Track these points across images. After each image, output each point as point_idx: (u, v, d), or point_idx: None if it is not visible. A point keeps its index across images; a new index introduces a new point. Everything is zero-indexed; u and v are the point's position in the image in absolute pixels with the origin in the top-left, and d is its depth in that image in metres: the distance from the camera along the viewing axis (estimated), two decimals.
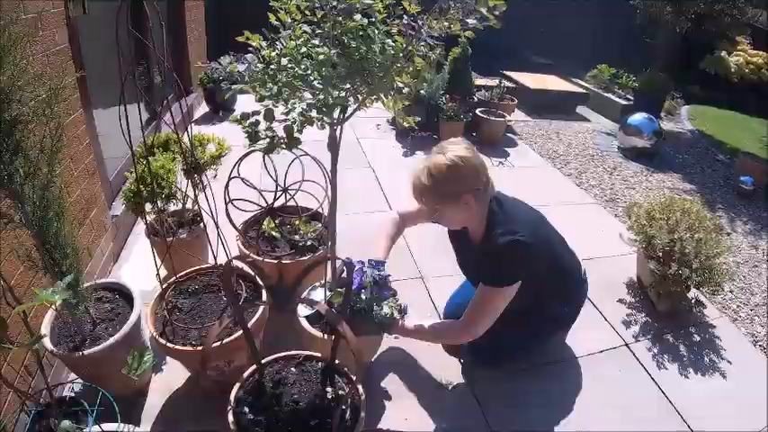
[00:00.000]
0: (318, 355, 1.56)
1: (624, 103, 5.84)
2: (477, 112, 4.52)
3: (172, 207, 2.35)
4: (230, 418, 1.35)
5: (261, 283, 1.83)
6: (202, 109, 5.16)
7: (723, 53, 7.21)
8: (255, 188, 2.03)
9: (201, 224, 2.40)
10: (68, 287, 1.67)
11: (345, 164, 3.81)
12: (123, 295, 1.87)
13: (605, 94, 6.17)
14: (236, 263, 1.88)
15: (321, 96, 1.17)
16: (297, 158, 1.99)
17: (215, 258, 1.90)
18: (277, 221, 2.21)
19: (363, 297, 1.57)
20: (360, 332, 1.61)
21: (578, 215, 3.35)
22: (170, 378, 1.86)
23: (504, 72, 6.11)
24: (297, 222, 2.21)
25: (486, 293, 1.55)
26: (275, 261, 1.97)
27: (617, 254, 2.70)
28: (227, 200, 1.99)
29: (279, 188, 2.05)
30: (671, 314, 2.27)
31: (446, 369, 1.95)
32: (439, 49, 1.21)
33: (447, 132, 4.42)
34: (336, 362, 1.50)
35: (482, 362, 1.92)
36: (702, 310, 2.35)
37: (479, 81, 5.12)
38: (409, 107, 4.40)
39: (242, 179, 1.94)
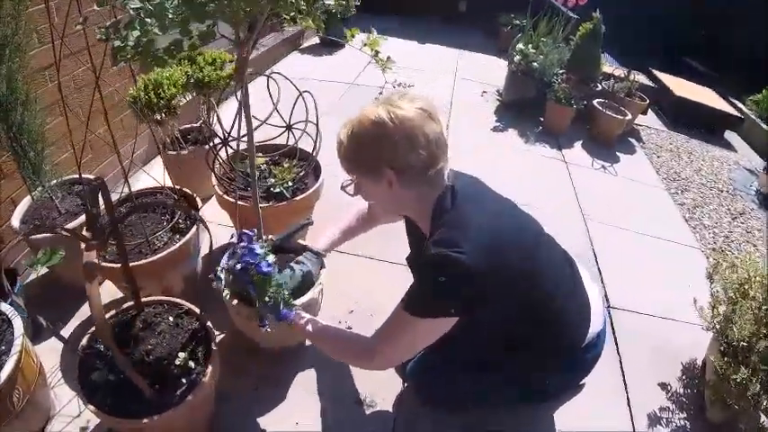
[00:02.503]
0: (197, 311, 1.36)
1: None
2: (594, 102, 3.73)
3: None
4: (84, 341, 1.28)
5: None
6: (312, 40, 5.13)
7: None
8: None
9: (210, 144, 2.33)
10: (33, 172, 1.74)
11: None
12: None
13: (765, 126, 4.67)
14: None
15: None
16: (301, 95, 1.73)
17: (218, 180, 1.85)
18: (266, 160, 2.01)
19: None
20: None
21: (667, 256, 2.58)
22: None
23: (651, 69, 4.96)
24: (286, 165, 1.97)
25: (396, 317, 1.13)
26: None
27: (692, 322, 1.97)
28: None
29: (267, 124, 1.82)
30: (723, 430, 1.58)
31: (382, 387, 1.60)
32: None
33: (552, 116, 3.80)
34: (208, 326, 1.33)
35: (426, 394, 1.51)
36: None
37: (610, 69, 4.19)
38: (516, 76, 3.90)
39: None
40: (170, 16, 0.81)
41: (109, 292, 1.85)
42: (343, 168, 1.15)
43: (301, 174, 1.94)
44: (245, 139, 1.33)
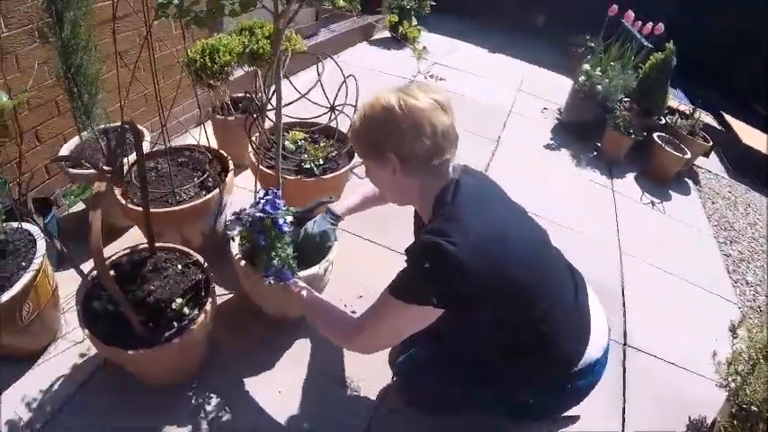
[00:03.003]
0: (204, 264, 1.42)
1: None
2: (654, 135, 3.54)
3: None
4: (94, 272, 1.35)
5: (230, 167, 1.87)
6: (384, 33, 5.06)
7: None
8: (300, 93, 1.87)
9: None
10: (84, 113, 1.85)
11: (472, 129, 3.44)
12: None
13: None
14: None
15: None
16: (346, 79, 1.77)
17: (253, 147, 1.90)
18: (305, 136, 2.05)
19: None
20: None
21: (699, 304, 2.42)
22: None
23: (722, 112, 4.66)
24: (322, 144, 2.01)
25: (381, 300, 1.13)
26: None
27: (710, 377, 1.83)
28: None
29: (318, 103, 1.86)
30: None
31: (372, 374, 1.61)
32: None
33: (609, 142, 3.67)
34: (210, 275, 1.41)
35: (412, 393, 1.49)
36: None
37: (676, 104, 3.96)
38: (578, 96, 3.75)
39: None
40: None
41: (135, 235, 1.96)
42: (355, 151, 1.18)
43: (333, 153, 1.97)
44: (284, 110, 1.39)
